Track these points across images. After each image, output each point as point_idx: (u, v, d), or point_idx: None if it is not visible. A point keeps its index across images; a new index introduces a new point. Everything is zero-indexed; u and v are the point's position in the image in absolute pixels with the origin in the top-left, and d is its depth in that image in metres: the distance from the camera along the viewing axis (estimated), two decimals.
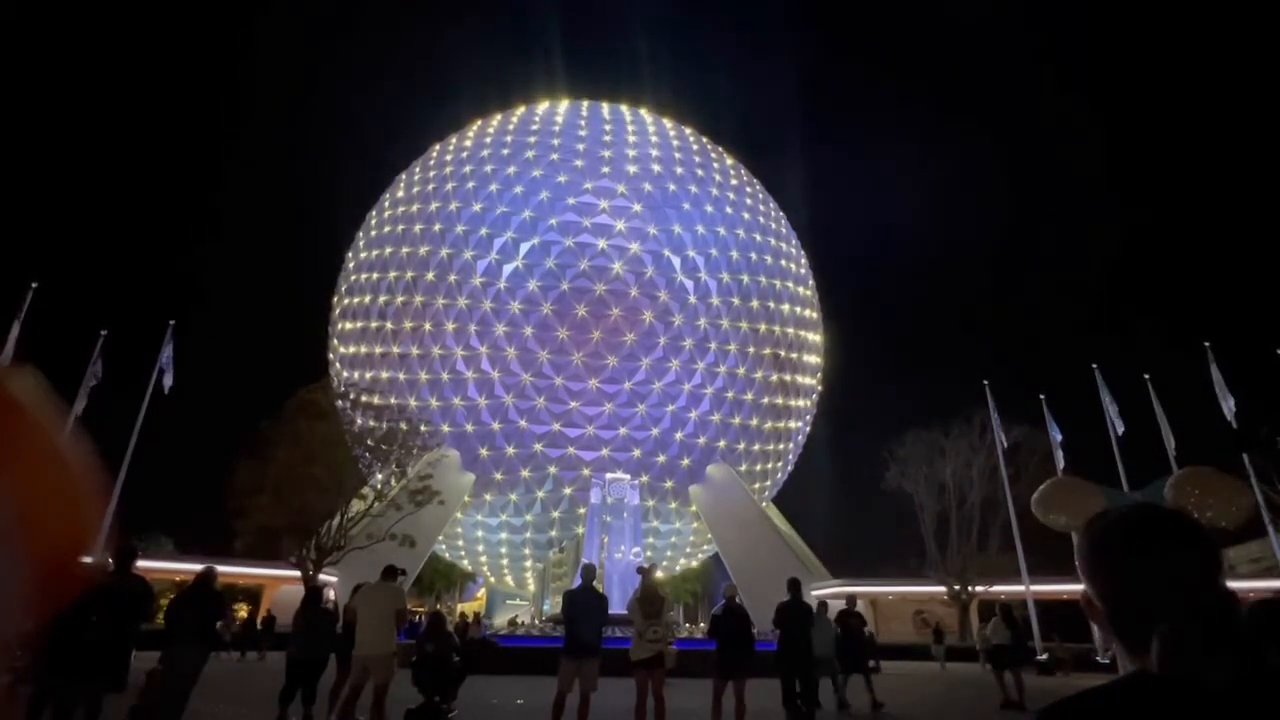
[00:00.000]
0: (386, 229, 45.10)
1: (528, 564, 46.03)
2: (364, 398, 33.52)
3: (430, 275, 41.26)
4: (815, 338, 49.14)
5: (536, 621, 36.86)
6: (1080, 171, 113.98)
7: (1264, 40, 78.43)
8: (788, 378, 45.13)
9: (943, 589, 37.43)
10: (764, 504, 46.25)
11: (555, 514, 41.34)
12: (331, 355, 46.28)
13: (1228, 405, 27.33)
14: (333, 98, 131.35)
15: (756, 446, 44.44)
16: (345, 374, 41.96)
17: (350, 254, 47.95)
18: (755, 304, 43.60)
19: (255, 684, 15.10)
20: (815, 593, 35.25)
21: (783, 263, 47.00)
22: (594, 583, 9.47)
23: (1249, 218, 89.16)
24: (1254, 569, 35.98)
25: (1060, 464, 30.41)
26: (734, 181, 48.66)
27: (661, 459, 41.00)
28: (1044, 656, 27.06)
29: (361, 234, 48.07)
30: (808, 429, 50.42)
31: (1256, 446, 27.94)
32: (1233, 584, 1.03)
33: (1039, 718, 0.91)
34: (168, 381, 28.10)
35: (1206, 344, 27.90)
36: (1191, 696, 0.88)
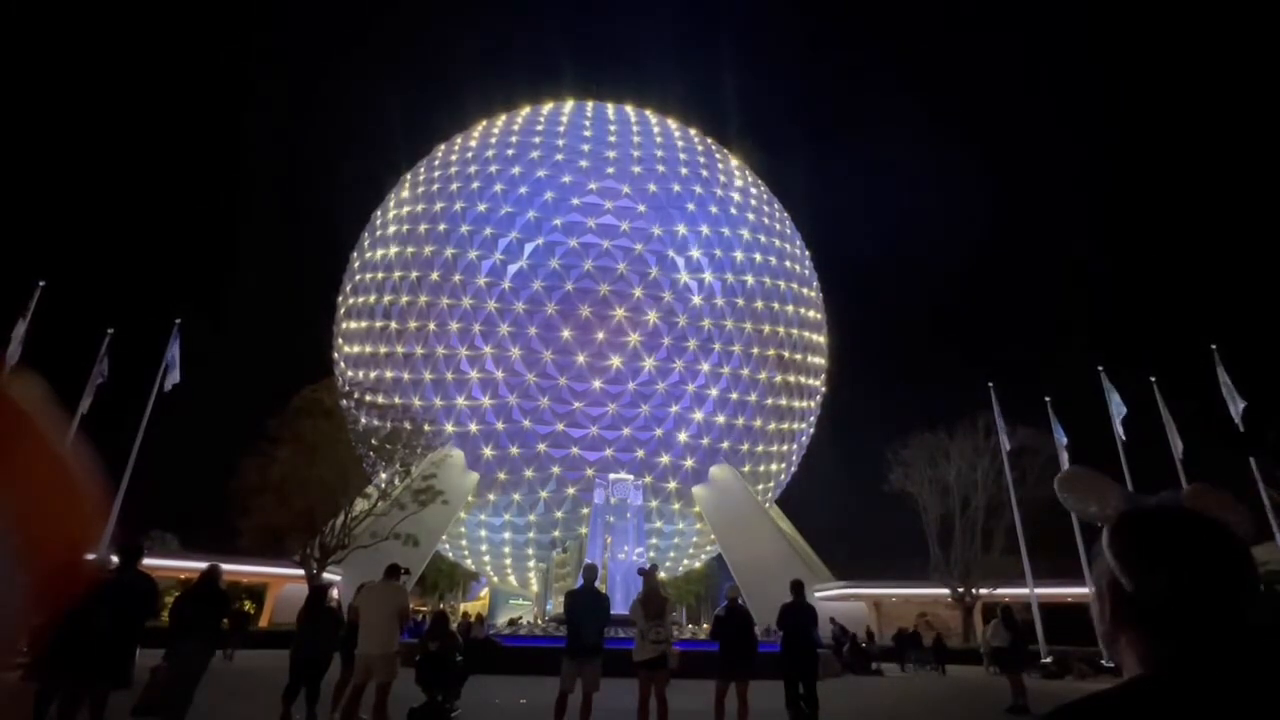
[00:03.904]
0: (391, 228, 45.20)
1: (531, 564, 46.08)
2: (368, 397, 33.57)
3: (435, 275, 41.33)
4: (819, 339, 49.07)
5: (539, 622, 36.88)
6: (1085, 173, 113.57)
7: (1268, 37, 78.02)
8: (791, 379, 45.07)
9: (946, 591, 37.31)
10: (767, 505, 46.19)
11: (558, 514, 41.35)
12: (336, 354, 46.40)
13: (1235, 408, 27.14)
14: (339, 98, 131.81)
15: (760, 447, 44.38)
16: (350, 373, 42.07)
17: (355, 253, 48.10)
18: (759, 305, 43.56)
19: (258, 682, 15.13)
20: (821, 591, 35.21)
21: (787, 264, 46.95)
22: (596, 583, 9.48)
23: (1256, 219, 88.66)
24: (1260, 571, 35.72)
25: (1064, 467, 30.24)
26: (738, 182, 48.64)
27: (665, 459, 40.98)
28: (1048, 659, 26.94)
29: (367, 233, 48.20)
30: (811, 430, 50.34)
31: (1263, 449, 27.75)
32: None
33: None
34: (173, 378, 28.08)
35: (1213, 346, 27.73)
36: (1201, 700, 0.87)
